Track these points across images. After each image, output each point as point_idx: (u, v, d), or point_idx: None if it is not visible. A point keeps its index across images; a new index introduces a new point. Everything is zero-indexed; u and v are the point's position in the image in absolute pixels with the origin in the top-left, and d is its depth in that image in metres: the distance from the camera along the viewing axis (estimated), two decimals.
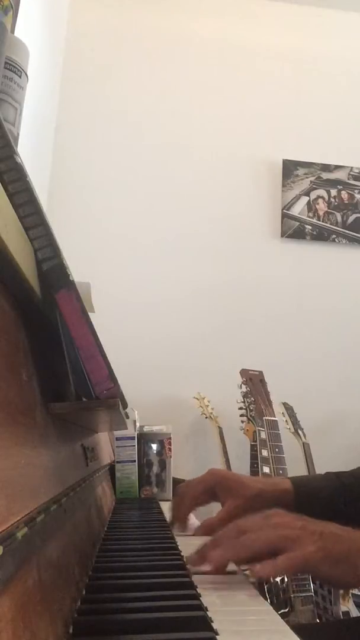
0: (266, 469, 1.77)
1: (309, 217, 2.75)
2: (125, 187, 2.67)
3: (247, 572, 0.61)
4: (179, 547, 0.73)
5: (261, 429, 1.89)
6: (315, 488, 0.84)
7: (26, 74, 0.76)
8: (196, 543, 0.65)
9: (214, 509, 0.82)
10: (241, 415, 2.05)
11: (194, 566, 0.61)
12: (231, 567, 0.62)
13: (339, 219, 2.76)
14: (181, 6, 2.89)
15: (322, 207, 2.76)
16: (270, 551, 0.58)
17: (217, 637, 0.41)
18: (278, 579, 1.61)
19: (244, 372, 2.04)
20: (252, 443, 2.00)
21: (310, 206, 2.76)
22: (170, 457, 1.38)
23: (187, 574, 0.58)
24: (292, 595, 1.57)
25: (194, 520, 0.91)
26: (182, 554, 0.68)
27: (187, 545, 0.71)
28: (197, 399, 2.35)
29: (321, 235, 2.74)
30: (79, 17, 2.79)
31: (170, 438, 1.39)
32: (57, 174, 2.59)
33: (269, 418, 1.91)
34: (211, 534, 0.72)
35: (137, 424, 1.40)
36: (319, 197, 2.78)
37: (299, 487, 0.83)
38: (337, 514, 0.76)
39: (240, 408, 2.05)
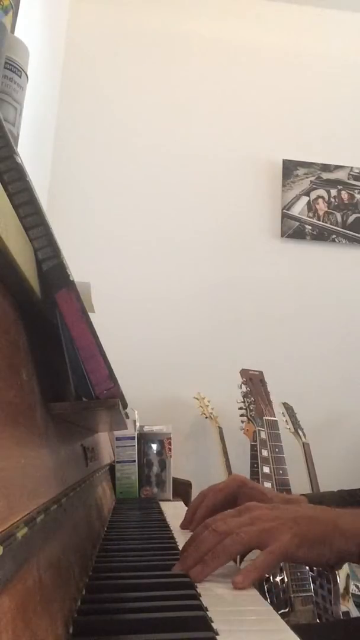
0: (266, 469, 1.77)
1: (309, 217, 2.75)
2: (125, 187, 2.67)
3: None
4: (179, 547, 0.73)
5: (261, 429, 1.89)
6: (328, 503, 0.84)
7: (26, 74, 0.76)
8: None
9: None
10: (241, 415, 2.05)
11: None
12: (231, 567, 0.63)
13: (339, 219, 2.76)
14: (181, 6, 2.89)
15: (322, 207, 2.76)
16: (249, 550, 0.59)
17: (217, 637, 0.41)
18: (278, 579, 1.61)
19: (244, 372, 2.04)
20: (252, 443, 2.00)
21: (310, 206, 2.76)
22: (170, 457, 1.38)
23: (186, 574, 0.58)
24: (292, 595, 1.57)
25: None
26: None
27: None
28: (197, 399, 2.35)
29: (321, 235, 2.74)
30: (79, 17, 2.79)
31: (170, 438, 1.39)
32: (57, 174, 2.60)
33: (269, 418, 1.91)
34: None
35: (137, 424, 1.40)
36: (319, 197, 2.78)
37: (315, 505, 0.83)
38: None
39: (240, 408, 2.05)
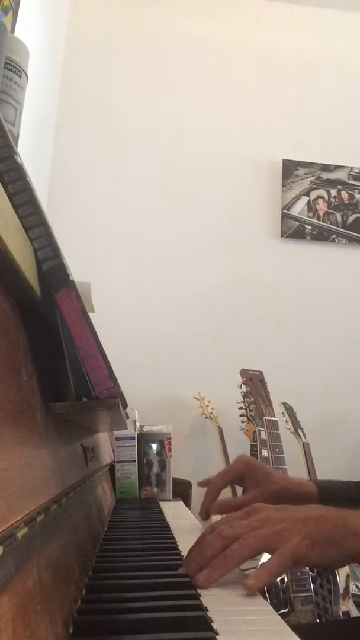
0: None
1: (309, 217, 2.75)
2: (125, 187, 2.67)
3: (247, 571, 0.61)
4: (179, 547, 0.73)
5: (261, 429, 1.89)
6: (337, 492, 0.84)
7: (26, 74, 0.76)
8: None
9: None
10: (241, 415, 2.05)
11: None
12: None
13: (339, 219, 2.76)
14: (181, 6, 2.89)
15: (322, 207, 2.76)
16: (258, 554, 0.57)
17: (217, 637, 0.41)
18: (278, 579, 1.61)
19: (244, 372, 2.04)
20: (252, 443, 2.00)
21: (310, 206, 2.76)
22: (170, 457, 1.38)
23: (186, 574, 0.58)
24: (292, 595, 1.57)
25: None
26: (182, 554, 0.68)
27: (188, 544, 0.71)
28: (197, 399, 2.35)
29: (321, 235, 2.74)
30: (79, 17, 2.79)
31: (170, 438, 1.39)
32: (57, 174, 2.60)
33: (269, 418, 1.91)
34: (223, 513, 0.76)
35: (137, 424, 1.40)
36: (319, 197, 2.78)
37: (323, 492, 0.84)
38: None
39: (240, 408, 2.05)
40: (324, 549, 0.57)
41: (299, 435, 2.15)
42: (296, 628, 0.44)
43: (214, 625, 0.43)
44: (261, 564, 0.56)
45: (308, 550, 0.56)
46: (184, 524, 0.98)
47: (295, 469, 1.98)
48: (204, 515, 0.90)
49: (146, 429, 1.41)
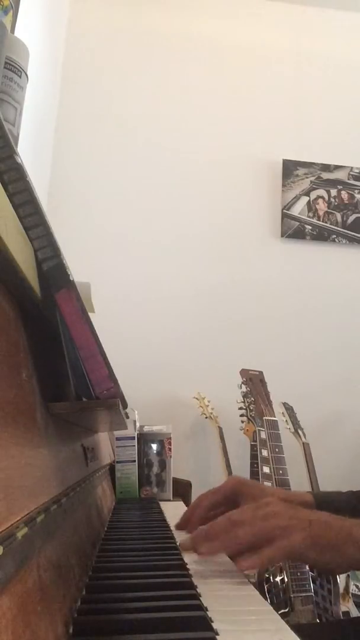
0: (266, 469, 1.77)
1: (309, 217, 2.75)
2: (125, 187, 2.67)
3: (247, 571, 0.61)
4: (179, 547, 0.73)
5: (261, 429, 1.89)
6: (336, 503, 0.83)
7: (26, 74, 0.76)
8: None
9: None
10: (241, 415, 2.05)
11: (185, 550, 0.65)
12: (231, 566, 0.63)
13: (339, 219, 2.76)
14: (181, 6, 2.89)
15: (322, 207, 2.76)
16: (261, 542, 0.59)
17: (217, 637, 0.41)
18: (278, 579, 1.61)
19: (244, 372, 2.04)
20: (252, 443, 2.00)
21: (310, 206, 2.76)
22: (170, 457, 1.38)
23: (187, 574, 0.58)
24: (292, 595, 1.57)
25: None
26: (182, 554, 0.68)
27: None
28: (197, 399, 2.35)
29: (321, 235, 2.74)
30: (79, 17, 2.79)
31: (170, 438, 1.39)
32: (57, 174, 2.59)
33: (269, 418, 1.91)
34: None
35: (137, 424, 1.40)
36: (319, 197, 2.78)
37: (321, 503, 0.83)
38: None
39: (240, 408, 2.05)
40: (323, 552, 0.59)
41: (299, 435, 2.15)
42: (296, 628, 0.44)
43: (214, 625, 0.43)
44: (255, 551, 0.59)
45: (308, 550, 0.59)
46: None
47: (295, 469, 1.98)
48: (182, 525, 0.83)
49: (146, 429, 1.41)
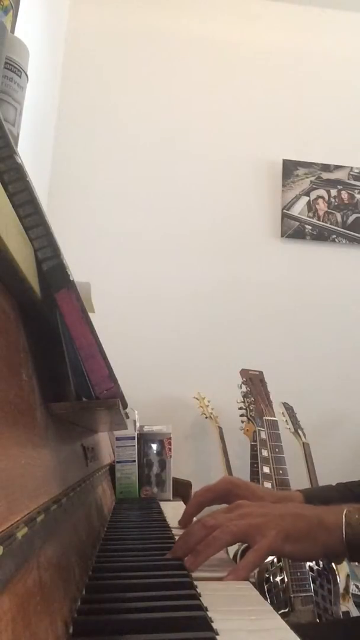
0: (266, 469, 1.77)
1: (309, 217, 2.75)
2: (125, 187, 2.67)
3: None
4: None
5: (261, 429, 1.89)
6: (325, 498, 0.85)
7: (26, 74, 0.76)
8: None
9: None
10: (241, 415, 2.05)
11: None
12: (231, 567, 0.63)
13: (339, 219, 2.76)
14: (181, 6, 2.89)
15: (322, 207, 2.76)
16: (237, 542, 0.63)
17: (217, 637, 0.41)
18: (278, 579, 1.61)
19: (244, 372, 2.04)
20: (252, 443, 2.00)
21: (310, 206, 2.76)
22: (170, 457, 1.38)
23: (187, 574, 0.58)
24: (292, 595, 1.57)
25: None
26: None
27: None
28: (197, 399, 2.35)
29: (321, 235, 2.74)
30: (79, 17, 2.79)
31: (170, 438, 1.39)
32: (57, 174, 2.60)
33: (269, 418, 1.91)
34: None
35: (137, 424, 1.40)
36: (319, 197, 2.78)
37: (310, 498, 0.85)
38: None
39: (240, 408, 2.05)
40: (297, 542, 0.62)
41: (299, 435, 2.15)
42: (296, 628, 0.44)
43: (214, 625, 0.43)
44: (240, 560, 0.61)
45: (282, 543, 0.61)
46: None
47: (295, 469, 1.98)
48: (184, 523, 0.87)
49: (146, 429, 1.41)
